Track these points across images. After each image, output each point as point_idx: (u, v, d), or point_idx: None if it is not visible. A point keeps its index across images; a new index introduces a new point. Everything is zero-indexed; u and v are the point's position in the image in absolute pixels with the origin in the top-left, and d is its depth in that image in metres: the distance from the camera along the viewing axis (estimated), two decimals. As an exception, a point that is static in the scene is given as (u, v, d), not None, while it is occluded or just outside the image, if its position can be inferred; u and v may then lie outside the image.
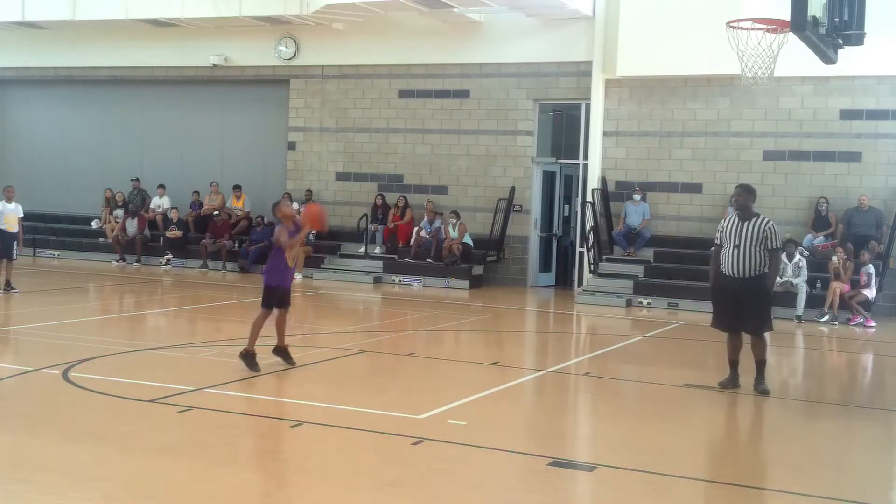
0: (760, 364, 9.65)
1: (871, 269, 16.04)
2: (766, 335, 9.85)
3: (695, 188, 18.76)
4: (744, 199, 9.61)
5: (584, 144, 19.61)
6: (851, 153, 17.72)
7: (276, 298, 9.70)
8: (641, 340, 13.77)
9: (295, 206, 20.68)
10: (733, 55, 13.32)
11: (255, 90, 22.75)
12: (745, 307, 9.49)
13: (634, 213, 18.82)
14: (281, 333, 9.90)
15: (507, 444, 7.46)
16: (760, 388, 9.54)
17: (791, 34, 11.16)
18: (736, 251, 9.44)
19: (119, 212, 22.76)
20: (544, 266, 20.81)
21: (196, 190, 22.65)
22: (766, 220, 9.55)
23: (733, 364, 9.75)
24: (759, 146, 18.32)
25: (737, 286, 9.47)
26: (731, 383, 9.68)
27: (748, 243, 9.40)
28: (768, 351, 9.96)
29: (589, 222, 18.94)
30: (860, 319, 15.76)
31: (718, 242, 9.70)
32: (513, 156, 20.11)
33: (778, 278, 16.06)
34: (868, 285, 15.93)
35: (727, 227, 9.61)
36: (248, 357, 9.66)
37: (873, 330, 15.41)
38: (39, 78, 24.88)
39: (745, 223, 9.50)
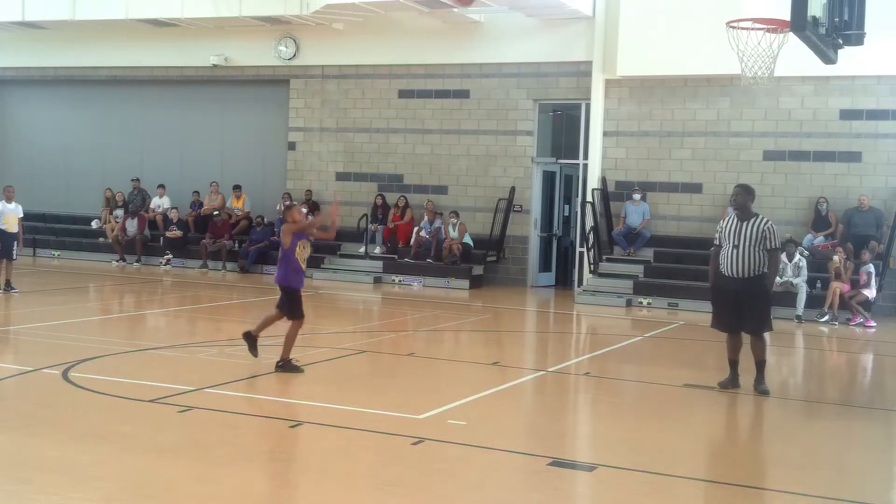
0: (760, 364, 9.65)
1: (871, 268, 16.04)
2: (766, 335, 9.85)
3: (695, 188, 18.76)
4: (742, 199, 9.61)
5: (584, 144, 19.61)
6: (851, 153, 17.72)
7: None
8: (641, 340, 13.77)
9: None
10: (733, 55, 13.33)
11: (255, 90, 22.75)
12: (744, 307, 9.49)
13: (634, 213, 18.81)
14: (264, 326, 9.94)
15: (507, 444, 7.46)
16: (760, 389, 9.54)
17: (791, 34, 11.16)
18: (735, 251, 9.45)
19: (119, 212, 22.76)
20: (544, 266, 20.81)
21: (196, 190, 22.65)
22: (765, 220, 9.55)
23: (733, 364, 9.75)
24: (759, 146, 18.32)
25: (736, 286, 9.47)
26: (731, 383, 9.68)
27: (747, 243, 9.40)
28: (768, 351, 9.97)
29: (589, 222, 18.94)
30: (860, 319, 15.76)
31: (717, 243, 9.71)
32: (513, 156, 20.11)
33: (778, 278, 16.10)
34: (868, 285, 15.93)
35: (726, 227, 9.61)
36: (287, 364, 9.65)
37: (873, 330, 15.41)
38: (39, 78, 24.88)
39: (744, 223, 9.50)
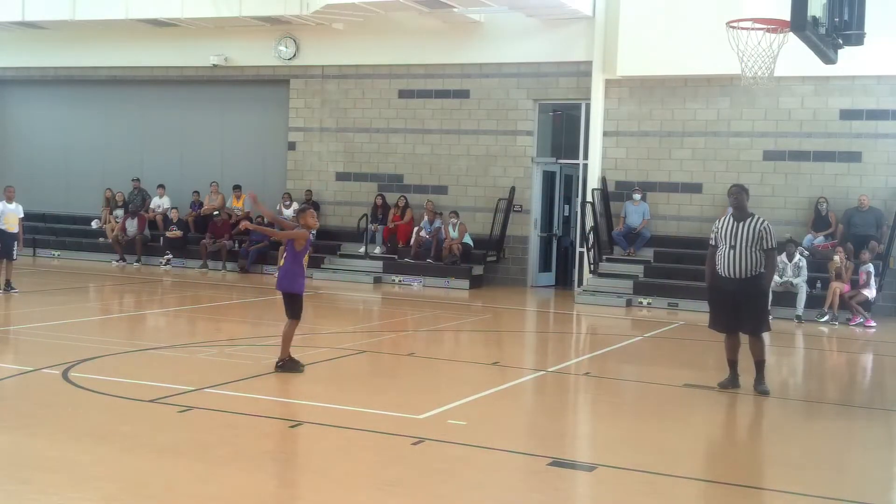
0: (759, 364, 9.65)
1: (870, 267, 16.03)
2: (765, 335, 9.85)
3: (695, 188, 18.76)
4: (742, 199, 9.58)
5: (584, 144, 19.62)
6: (851, 153, 17.72)
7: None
8: (641, 340, 13.77)
9: (295, 205, 20.76)
10: (733, 55, 13.32)
11: (255, 90, 22.75)
12: (742, 308, 9.49)
13: (634, 213, 18.81)
14: (287, 343, 9.86)
15: (507, 444, 7.45)
16: (760, 389, 9.54)
17: (791, 34, 11.16)
18: (732, 252, 9.41)
19: (119, 212, 22.77)
20: (544, 266, 20.82)
21: (196, 190, 22.65)
22: (761, 220, 9.52)
23: (732, 364, 9.75)
24: (759, 146, 18.32)
25: (733, 287, 9.46)
26: (731, 383, 9.68)
27: (743, 244, 9.38)
28: (767, 351, 9.96)
29: (589, 222, 18.94)
30: (860, 319, 15.76)
31: (713, 243, 9.69)
32: (513, 156, 20.11)
33: (777, 278, 16.15)
34: (867, 284, 15.93)
35: (722, 227, 9.58)
36: (288, 363, 9.61)
37: (873, 330, 15.41)
38: (39, 78, 24.88)
39: (740, 224, 9.47)
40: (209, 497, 5.95)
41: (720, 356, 10.31)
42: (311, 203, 21.12)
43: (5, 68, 25.02)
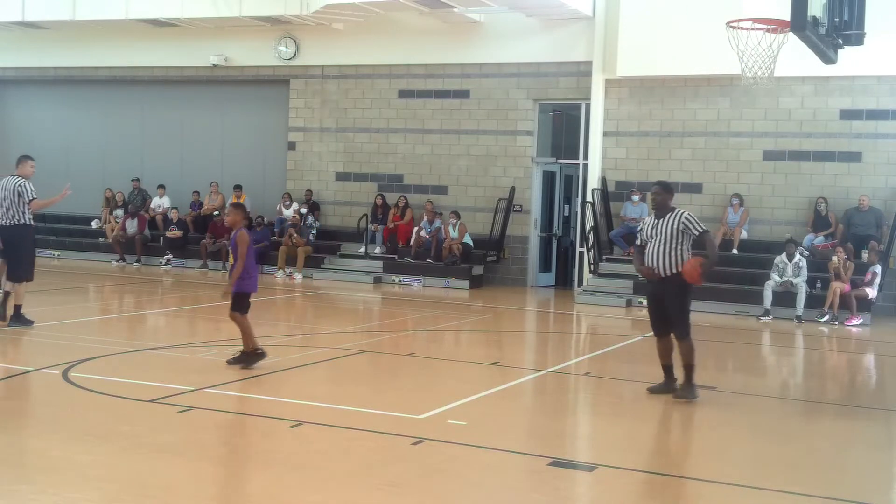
0: (689, 369, 9.17)
1: (878, 269, 16.06)
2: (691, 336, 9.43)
3: (695, 188, 18.76)
4: (662, 199, 9.23)
5: (584, 144, 19.62)
6: (851, 153, 17.72)
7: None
8: (641, 340, 13.76)
9: (295, 205, 20.77)
10: (733, 55, 13.33)
11: (255, 90, 22.75)
12: (667, 308, 9.15)
13: (634, 213, 18.80)
14: (249, 335, 9.95)
15: (507, 444, 7.45)
16: (686, 395, 9.04)
17: (791, 34, 11.17)
18: (653, 250, 9.11)
19: (119, 212, 22.77)
20: (544, 266, 20.82)
21: (196, 190, 22.65)
22: (681, 212, 9.15)
23: (667, 369, 9.34)
24: (759, 146, 18.32)
25: (655, 287, 9.18)
26: (665, 388, 9.28)
27: (661, 240, 9.03)
28: (695, 354, 9.35)
29: (589, 222, 18.94)
30: (859, 320, 15.75)
31: (639, 242, 9.38)
32: (513, 156, 20.12)
33: (777, 278, 16.18)
34: (871, 284, 15.95)
35: (647, 226, 9.26)
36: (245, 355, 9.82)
37: (859, 329, 15.37)
38: (39, 78, 24.88)
39: (661, 220, 9.15)
40: (209, 497, 5.95)
41: (720, 356, 10.31)
42: (311, 203, 21.16)
43: (5, 68, 25.02)
